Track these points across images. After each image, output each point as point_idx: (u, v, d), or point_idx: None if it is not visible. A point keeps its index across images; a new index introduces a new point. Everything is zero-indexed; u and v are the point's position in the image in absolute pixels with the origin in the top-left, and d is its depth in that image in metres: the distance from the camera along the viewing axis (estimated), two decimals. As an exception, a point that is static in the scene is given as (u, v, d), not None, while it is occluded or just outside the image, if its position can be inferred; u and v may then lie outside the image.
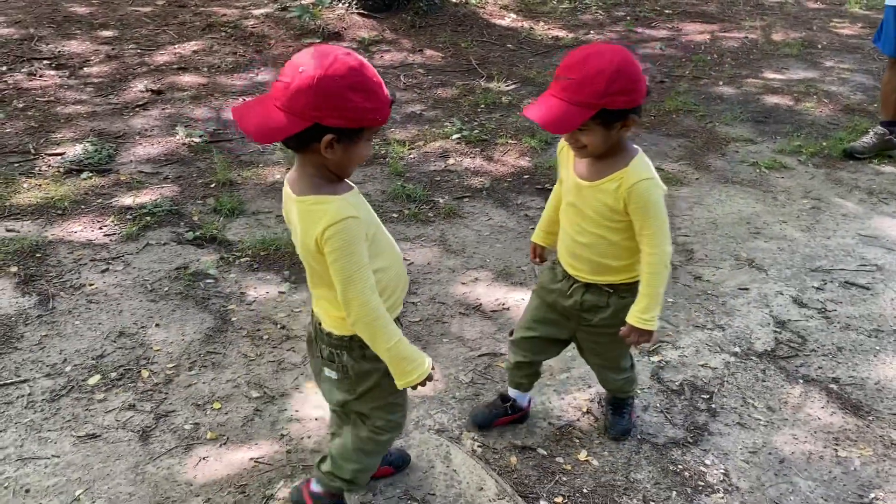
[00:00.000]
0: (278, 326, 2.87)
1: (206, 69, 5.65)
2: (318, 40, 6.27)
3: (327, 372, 1.83)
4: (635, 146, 1.97)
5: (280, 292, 3.07)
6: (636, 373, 2.40)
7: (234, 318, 2.91)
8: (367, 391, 1.81)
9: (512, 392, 2.41)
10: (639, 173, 1.90)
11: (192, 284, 3.10)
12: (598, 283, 2.08)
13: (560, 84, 1.81)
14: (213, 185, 3.91)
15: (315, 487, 2.01)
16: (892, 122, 4.40)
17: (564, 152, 2.05)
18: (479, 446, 2.35)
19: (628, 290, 2.04)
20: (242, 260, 3.28)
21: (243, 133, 1.57)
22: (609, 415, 2.43)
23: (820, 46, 6.59)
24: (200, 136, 4.49)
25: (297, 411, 2.47)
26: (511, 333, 2.36)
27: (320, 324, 1.81)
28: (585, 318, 2.13)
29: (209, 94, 5.20)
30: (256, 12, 6.95)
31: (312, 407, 2.48)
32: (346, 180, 1.69)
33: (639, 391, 2.56)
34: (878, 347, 2.86)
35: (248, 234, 3.48)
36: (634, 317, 1.99)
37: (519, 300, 3.08)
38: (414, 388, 1.73)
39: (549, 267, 2.24)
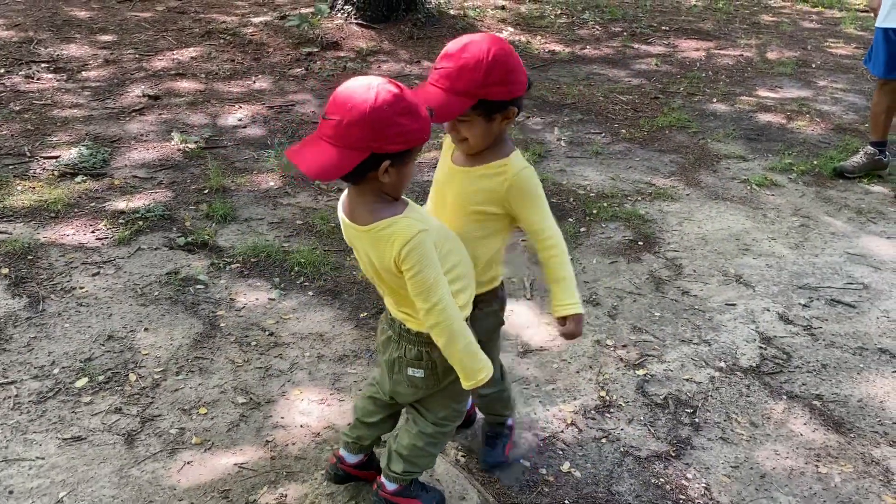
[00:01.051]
0: (267, 333, 2.88)
1: (203, 76, 5.69)
2: (316, 49, 6.31)
3: (412, 371, 1.90)
4: (511, 141, 1.95)
5: (269, 299, 3.09)
6: (508, 395, 2.31)
7: (222, 324, 2.92)
8: (450, 383, 1.90)
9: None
10: (518, 163, 1.89)
11: (182, 289, 3.12)
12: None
13: (439, 73, 1.79)
14: (206, 191, 3.93)
15: (390, 486, 2.05)
16: (881, 143, 4.44)
17: (445, 144, 2.03)
18: (462, 456, 2.36)
19: (486, 300, 2.00)
20: (233, 266, 3.30)
21: (304, 175, 1.64)
22: (482, 444, 2.37)
23: (814, 66, 6.65)
24: (195, 142, 4.51)
25: (282, 418, 2.48)
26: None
27: (405, 326, 1.87)
28: None
29: (206, 100, 5.22)
30: (255, 20, 7.00)
31: (298, 413, 2.49)
32: (402, 198, 1.76)
33: (510, 422, 2.41)
34: (861, 365, 2.88)
35: (239, 240, 3.49)
36: (557, 309, 1.93)
37: (508, 311, 3.08)
38: (476, 389, 1.81)
39: None
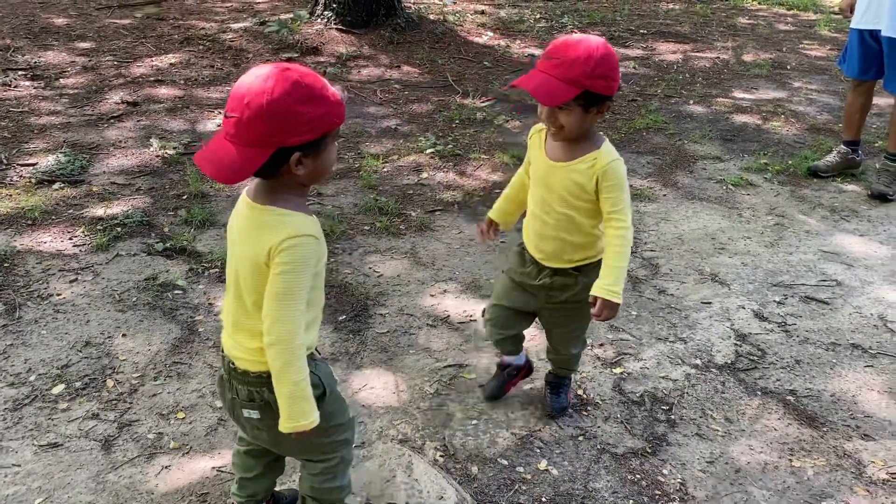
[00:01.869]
0: (245, 337, 2.88)
1: (182, 82, 5.68)
2: (296, 55, 6.32)
3: (247, 413, 1.73)
4: (602, 134, 2.15)
5: (248, 303, 3.08)
6: (579, 357, 2.54)
7: (200, 329, 2.92)
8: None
9: (507, 359, 2.59)
10: (611, 154, 2.09)
11: (161, 295, 3.11)
12: (565, 269, 2.23)
13: (551, 63, 1.97)
14: (185, 197, 3.93)
15: None
16: (854, 142, 4.51)
17: (535, 138, 2.22)
18: (441, 455, 2.38)
19: (593, 269, 2.17)
20: (211, 271, 3.29)
21: (212, 179, 1.51)
22: (547, 394, 2.57)
23: (789, 67, 6.74)
24: (175, 148, 4.50)
25: (261, 421, 2.48)
26: (483, 313, 2.51)
27: (233, 364, 1.72)
28: (553, 297, 2.29)
29: (185, 106, 5.22)
30: (235, 26, 6.99)
31: (277, 417, 2.50)
32: (308, 210, 1.66)
33: (578, 372, 2.70)
34: (834, 361, 2.92)
35: (218, 245, 3.49)
36: (603, 289, 2.08)
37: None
38: (296, 435, 1.63)
39: (517, 252, 2.38)
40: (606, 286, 2.07)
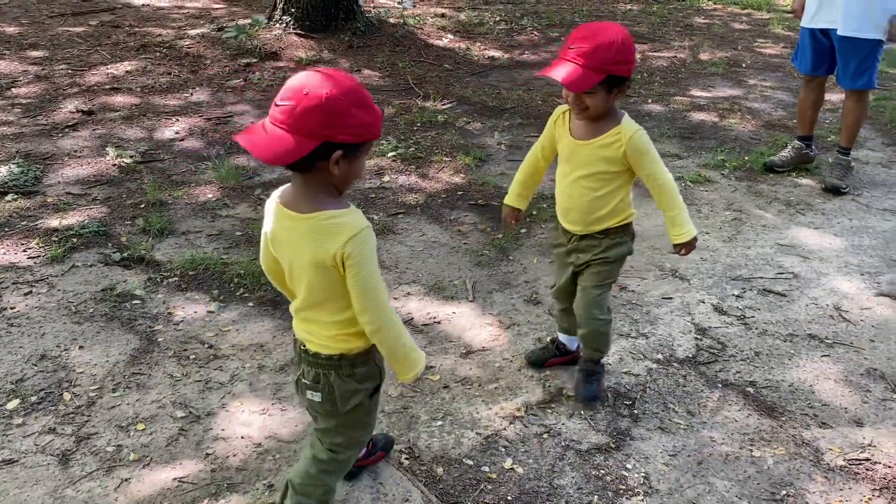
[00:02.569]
0: (205, 346, 2.84)
1: (139, 89, 5.59)
2: (254, 60, 6.27)
3: (310, 395, 1.84)
4: (620, 110, 2.35)
5: (208, 311, 3.05)
6: (610, 332, 2.60)
7: (160, 339, 2.88)
8: (351, 410, 1.84)
9: (561, 337, 2.77)
10: (632, 126, 2.30)
11: (119, 306, 3.06)
12: (591, 233, 2.44)
13: (575, 51, 2.15)
14: (142, 206, 3.87)
15: None
16: (808, 137, 4.61)
17: (560, 119, 2.43)
18: (406, 458, 2.37)
19: (616, 232, 2.44)
20: (170, 280, 3.24)
21: (257, 159, 1.63)
22: (580, 380, 2.63)
23: (744, 65, 6.86)
24: (131, 157, 4.43)
25: (222, 430, 2.45)
26: (552, 287, 2.71)
27: (304, 347, 1.82)
28: (580, 258, 2.49)
29: (142, 114, 5.14)
30: (192, 32, 6.91)
31: (239, 425, 2.47)
32: (344, 197, 1.74)
33: (609, 362, 2.78)
34: (792, 351, 2.98)
35: (177, 253, 3.44)
36: (674, 237, 2.40)
37: (450, 313, 3.12)
38: (412, 383, 1.92)
39: (553, 227, 2.67)
40: (678, 233, 2.39)
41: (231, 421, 2.49)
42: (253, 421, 2.49)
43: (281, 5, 6.89)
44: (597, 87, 2.16)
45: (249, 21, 6.98)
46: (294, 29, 6.77)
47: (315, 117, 1.55)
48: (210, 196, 4.03)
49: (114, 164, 4.33)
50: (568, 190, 2.44)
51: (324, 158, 1.60)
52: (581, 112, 2.28)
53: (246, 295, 3.17)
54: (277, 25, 6.84)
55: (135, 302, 3.09)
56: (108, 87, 5.61)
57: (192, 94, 5.58)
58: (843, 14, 4.10)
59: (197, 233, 3.65)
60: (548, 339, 2.89)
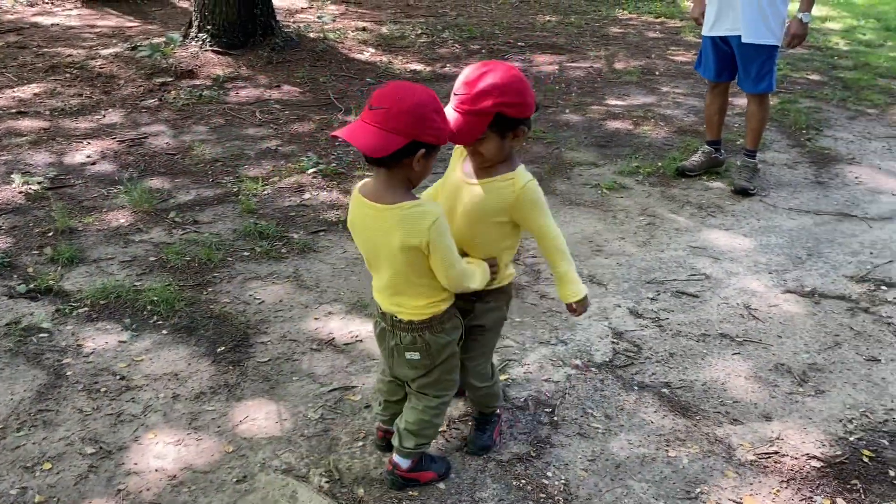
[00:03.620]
0: (117, 377, 2.76)
1: (48, 112, 5.41)
2: (170, 79, 6.14)
3: (409, 355, 2.16)
4: (517, 158, 2.18)
5: (120, 342, 2.95)
6: (498, 389, 2.50)
7: (69, 373, 2.77)
8: (446, 359, 2.19)
9: None
10: (524, 176, 2.13)
11: (24, 340, 2.94)
12: (463, 292, 2.21)
13: (459, 98, 2.02)
14: (51, 234, 3.73)
15: (404, 463, 2.29)
16: (716, 142, 4.78)
17: (457, 153, 2.26)
18: (326, 481, 2.34)
19: (490, 295, 2.26)
20: (80, 311, 3.14)
21: (358, 150, 1.96)
22: (472, 430, 2.53)
23: (657, 73, 7.08)
24: (39, 183, 4.28)
25: (135, 464, 2.37)
26: None
27: (397, 318, 2.14)
28: None
29: (51, 138, 4.97)
30: (104, 52, 6.73)
31: (152, 458, 2.40)
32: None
33: (502, 408, 2.63)
34: (705, 351, 3.07)
35: (87, 282, 3.33)
36: (565, 297, 2.28)
37: (373, 331, 3.10)
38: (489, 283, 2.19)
39: None
40: (566, 293, 2.26)
41: (144, 454, 2.41)
42: (167, 453, 2.42)
43: (196, 22, 6.78)
44: (487, 132, 2.01)
45: (164, 39, 6.83)
46: (210, 46, 6.66)
47: (406, 119, 1.86)
48: (123, 221, 3.91)
49: (20, 192, 4.17)
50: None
51: (409, 155, 1.90)
52: (473, 156, 2.13)
53: (160, 322, 3.09)
54: (193, 43, 6.72)
55: (41, 335, 2.97)
56: (13, 111, 5.40)
57: (104, 116, 5.42)
58: (744, 21, 4.27)
59: (109, 260, 3.54)
60: None
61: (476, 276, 2.14)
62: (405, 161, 1.92)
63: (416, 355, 2.17)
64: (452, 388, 2.30)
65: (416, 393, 2.27)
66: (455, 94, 2.03)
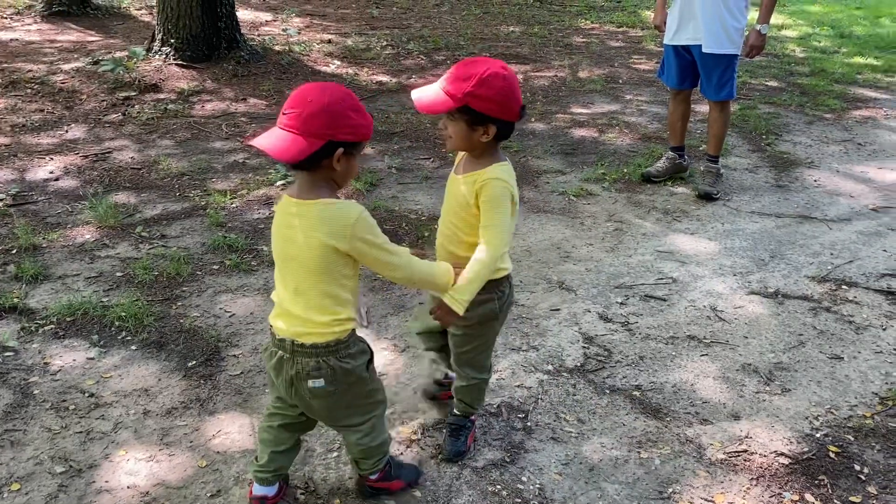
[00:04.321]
0: (86, 395, 2.72)
1: (9, 129, 5.32)
2: (133, 93, 6.07)
3: (312, 383, 2.01)
4: (505, 158, 2.19)
5: (88, 359, 2.91)
6: (484, 391, 2.52)
7: (36, 391, 2.73)
8: (353, 384, 2.06)
9: (449, 373, 2.69)
10: (493, 173, 2.12)
11: (-12, 359, 2.88)
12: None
13: (444, 76, 2.07)
14: (14, 252, 3.66)
15: (373, 477, 2.28)
16: (680, 148, 4.87)
17: (457, 158, 2.32)
18: (301, 493, 2.33)
19: (482, 289, 2.19)
20: (46, 328, 3.08)
21: (273, 159, 1.91)
22: (447, 436, 2.53)
23: (621, 81, 7.19)
24: (1, 200, 4.20)
25: (106, 482, 2.34)
26: (414, 319, 2.66)
27: (298, 343, 1.99)
28: None
29: (12, 154, 4.88)
30: (66, 67, 6.63)
31: (124, 475, 2.36)
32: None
33: (476, 414, 2.61)
34: (674, 353, 3.12)
35: (53, 299, 3.28)
36: (448, 294, 2.14)
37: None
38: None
39: None
40: (453, 293, 2.12)
41: (115, 471, 2.38)
42: (139, 469, 2.39)
43: (160, 36, 6.72)
44: (457, 116, 2.06)
45: (127, 53, 6.77)
46: (174, 60, 6.61)
47: (320, 120, 1.83)
48: (88, 237, 3.86)
49: (-19, 209, 4.09)
50: (441, 226, 2.32)
51: (327, 156, 1.87)
52: (445, 139, 2.17)
53: (128, 338, 3.05)
54: (157, 57, 6.66)
55: (7, 354, 2.92)
56: (-28, 127, 5.30)
57: (67, 132, 5.35)
58: (705, 31, 4.37)
59: (74, 276, 3.49)
60: (434, 380, 2.76)
61: (434, 270, 2.11)
62: (324, 163, 1.88)
63: (319, 382, 2.00)
64: (374, 410, 2.17)
65: (343, 432, 2.20)
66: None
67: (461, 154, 2.29)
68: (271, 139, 1.85)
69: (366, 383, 2.11)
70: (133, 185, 4.53)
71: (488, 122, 2.07)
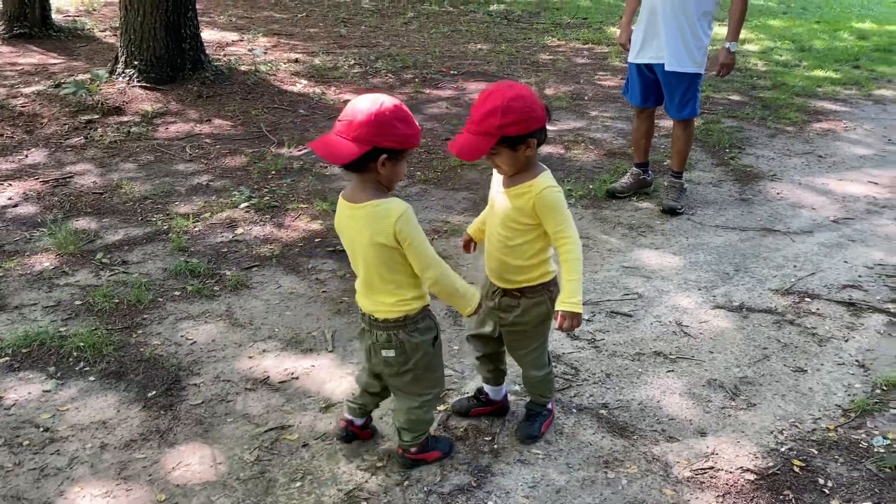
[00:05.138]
0: (41, 429, 2.64)
1: (-35, 154, 5.21)
2: (96, 116, 6.00)
3: (385, 353, 2.33)
4: (543, 165, 2.41)
5: (44, 391, 2.84)
6: (553, 380, 2.71)
7: (-12, 427, 2.65)
8: (420, 357, 2.34)
9: (485, 387, 2.80)
10: (543, 182, 2.33)
11: (-61, 395, 2.80)
12: (509, 289, 2.48)
13: (469, 120, 2.29)
14: (-32, 281, 3.58)
15: (413, 450, 2.50)
16: (644, 164, 4.91)
17: (496, 173, 2.49)
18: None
19: (534, 292, 2.47)
20: (1, 360, 3.00)
21: (324, 160, 2.18)
22: (521, 420, 2.72)
23: (586, 98, 7.25)
24: (-44, 228, 4.11)
25: (61, 520, 2.27)
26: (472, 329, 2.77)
27: (374, 317, 2.31)
28: (502, 318, 2.53)
29: (-32, 180, 4.78)
30: (26, 90, 6.53)
31: (79, 512, 2.30)
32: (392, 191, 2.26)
33: (550, 405, 2.75)
34: (640, 370, 3.13)
35: (8, 330, 3.20)
36: (561, 302, 2.37)
37: (309, 367, 3.06)
38: (474, 313, 2.36)
39: (485, 277, 2.65)
40: (564, 299, 2.35)
41: (70, 509, 2.31)
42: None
43: (123, 58, 6.65)
44: (497, 148, 2.25)
45: (89, 76, 6.68)
46: (138, 82, 6.54)
47: (366, 129, 2.08)
48: (47, 265, 3.78)
49: (-65, 238, 3.99)
50: (489, 237, 2.50)
51: (373, 160, 2.12)
52: (497, 169, 2.40)
53: (87, 369, 2.98)
54: (120, 79, 6.59)
55: (-42, 389, 2.84)
56: (-72, 153, 5.19)
57: (26, 156, 5.26)
58: (666, 50, 4.41)
59: (31, 306, 3.41)
60: (476, 388, 2.85)
61: (458, 284, 2.28)
62: (371, 166, 2.14)
63: (391, 353, 2.32)
64: (435, 387, 2.45)
65: (397, 393, 2.44)
66: (467, 119, 2.30)
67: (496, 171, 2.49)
68: (324, 143, 2.14)
69: (431, 357, 2.37)
70: (94, 211, 4.45)
71: (526, 138, 2.26)
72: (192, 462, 2.52)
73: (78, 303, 3.45)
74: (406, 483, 2.47)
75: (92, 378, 2.93)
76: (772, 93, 7.58)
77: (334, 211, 4.52)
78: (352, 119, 2.10)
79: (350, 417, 2.59)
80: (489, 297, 2.56)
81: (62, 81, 6.65)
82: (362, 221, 2.19)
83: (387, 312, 2.29)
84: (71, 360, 3.03)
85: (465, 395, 2.88)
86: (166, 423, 2.70)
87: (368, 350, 2.39)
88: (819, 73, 8.55)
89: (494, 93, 2.23)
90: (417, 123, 2.18)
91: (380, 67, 8.00)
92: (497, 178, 2.47)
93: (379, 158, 2.13)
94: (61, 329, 3.23)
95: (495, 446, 2.66)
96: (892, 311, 3.61)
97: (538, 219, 2.35)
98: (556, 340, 3.29)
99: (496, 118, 2.20)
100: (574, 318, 2.36)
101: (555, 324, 2.41)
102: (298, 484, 2.45)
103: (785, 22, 12.06)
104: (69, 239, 3.96)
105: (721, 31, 4.60)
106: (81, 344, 3.08)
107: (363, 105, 2.11)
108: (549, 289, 2.50)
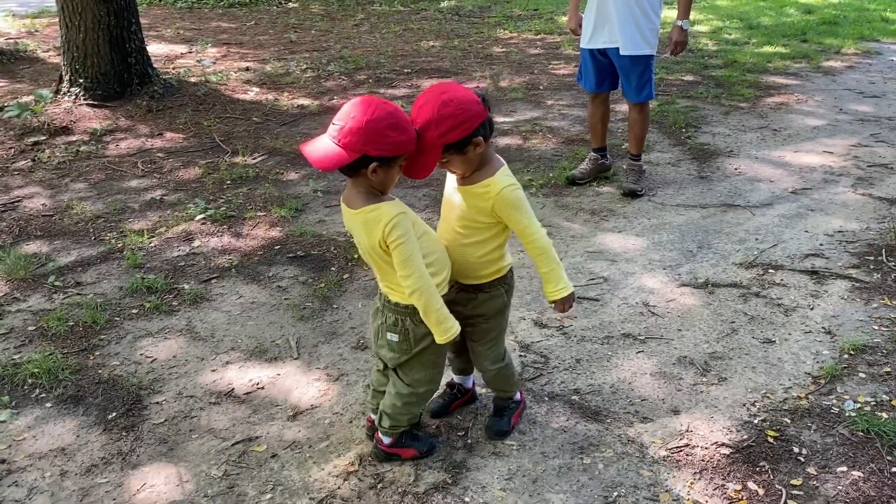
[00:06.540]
0: (-4, 461, 2.54)
1: None
2: (43, 137, 5.84)
3: (390, 336, 2.34)
4: (499, 158, 2.37)
5: (-2, 422, 2.74)
6: (512, 371, 2.63)
7: (-59, 464, 2.54)
8: (421, 350, 2.33)
9: (456, 378, 2.79)
10: (501, 182, 2.27)
11: None
12: (466, 284, 2.44)
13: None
14: (-86, 315, 3.44)
15: (385, 439, 2.49)
16: (602, 148, 4.91)
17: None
18: None
19: (490, 286, 2.45)
20: (-48, 393, 2.89)
21: (312, 165, 2.09)
22: (490, 416, 2.69)
23: (542, 88, 7.24)
24: None
25: (21, 554, 2.18)
26: None
27: (386, 297, 2.32)
28: (460, 311, 2.42)
29: (-89, 212, 4.61)
30: (-32, 115, 6.33)
31: (40, 545, 2.21)
32: (388, 193, 2.20)
33: (517, 396, 2.72)
34: (610, 353, 3.11)
35: (-42, 362, 3.08)
36: (549, 294, 2.39)
37: (274, 376, 2.99)
38: (449, 343, 2.28)
39: None
40: (550, 291, 2.38)
41: (31, 542, 2.22)
42: (58, 536, 2.24)
43: (68, 77, 6.49)
44: (445, 155, 2.18)
45: (33, 97, 6.51)
46: (85, 100, 6.39)
47: (357, 137, 2.01)
48: (6, 290, 3.66)
49: None
50: (444, 233, 2.43)
51: (365, 167, 2.07)
52: (457, 176, 2.33)
53: (43, 395, 2.88)
54: (66, 98, 6.43)
55: None
56: None
57: (-28, 183, 5.08)
58: (619, 35, 4.40)
59: (-18, 335, 3.29)
60: (445, 384, 2.80)
61: (438, 307, 2.20)
62: (362, 172, 2.09)
63: (395, 336, 2.32)
64: (428, 384, 2.43)
65: (392, 372, 2.43)
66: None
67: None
68: (316, 146, 2.08)
69: (433, 353, 2.35)
70: (45, 233, 4.32)
71: (470, 139, 2.17)
72: (156, 483, 2.44)
73: (31, 328, 3.33)
74: (380, 486, 2.41)
75: (49, 404, 2.83)
76: (724, 71, 7.65)
77: (293, 217, 4.51)
78: (343, 124, 2.03)
79: (373, 417, 2.58)
80: (448, 291, 2.50)
81: (5, 105, 6.46)
82: (359, 227, 2.18)
83: (397, 295, 2.29)
84: (26, 387, 2.92)
85: (437, 396, 2.78)
86: (129, 445, 2.61)
87: (377, 330, 2.39)
88: (768, 48, 8.65)
89: (424, 106, 2.13)
90: (413, 127, 2.09)
91: (332, 70, 7.92)
92: (452, 175, 2.41)
93: (370, 166, 2.06)
94: (14, 357, 3.11)
95: (468, 441, 2.62)
96: (854, 276, 3.64)
97: (496, 217, 2.31)
98: (525, 330, 3.26)
99: (432, 130, 2.11)
100: (567, 301, 2.40)
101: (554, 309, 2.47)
102: (269, 496, 2.38)
103: (732, 1, 12.21)
104: (19, 264, 3.83)
105: (670, 13, 4.60)
106: (36, 370, 2.98)
107: (356, 110, 2.04)
108: (506, 282, 2.49)
